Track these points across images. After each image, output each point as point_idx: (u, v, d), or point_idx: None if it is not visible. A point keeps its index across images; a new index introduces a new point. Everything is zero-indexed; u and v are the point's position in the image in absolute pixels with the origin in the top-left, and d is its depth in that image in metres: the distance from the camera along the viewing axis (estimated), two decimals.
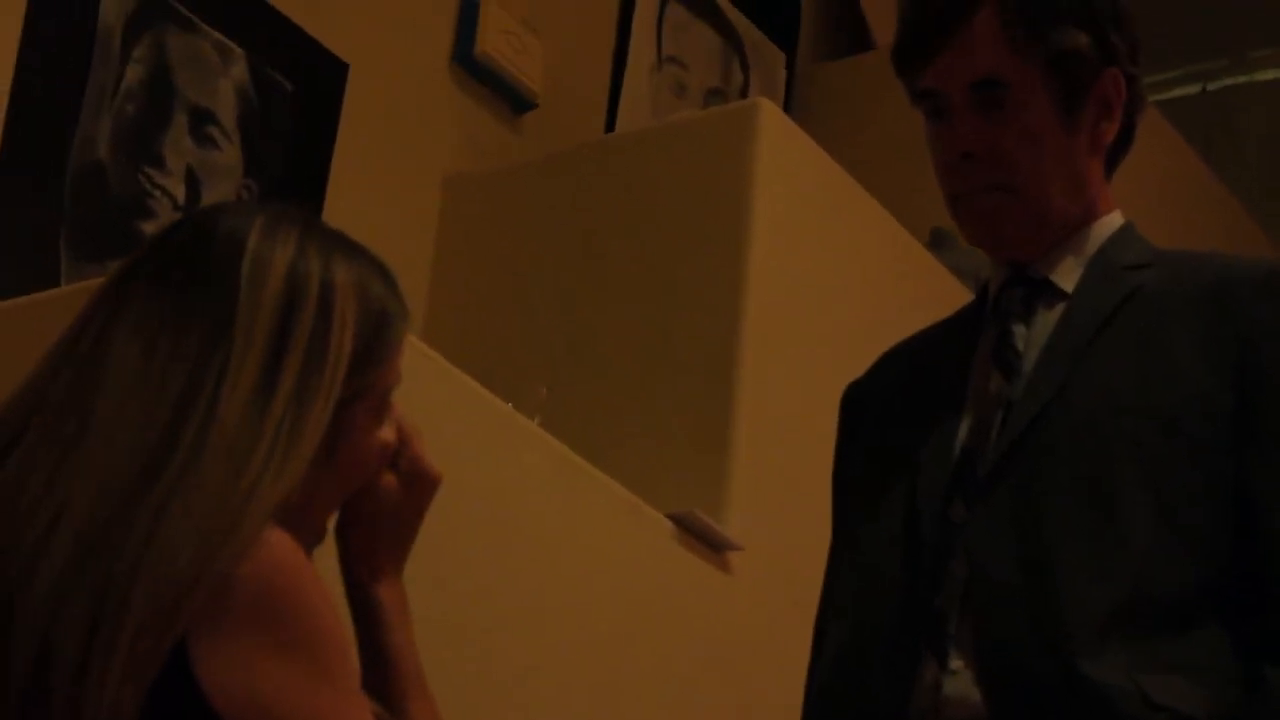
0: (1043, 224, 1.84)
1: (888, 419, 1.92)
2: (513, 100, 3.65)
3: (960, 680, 1.70)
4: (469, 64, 3.56)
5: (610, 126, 3.86)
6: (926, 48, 1.82)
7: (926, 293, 3.27)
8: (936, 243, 3.69)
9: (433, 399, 2.53)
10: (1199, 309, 1.77)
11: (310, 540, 1.53)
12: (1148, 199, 2.96)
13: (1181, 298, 1.79)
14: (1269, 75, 5.29)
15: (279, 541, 1.37)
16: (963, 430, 1.80)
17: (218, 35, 3.09)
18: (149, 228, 2.90)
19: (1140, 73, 1.88)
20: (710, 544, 2.91)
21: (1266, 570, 1.69)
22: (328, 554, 1.56)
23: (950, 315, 2.00)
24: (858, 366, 2.05)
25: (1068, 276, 1.85)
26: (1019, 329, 1.83)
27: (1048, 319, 1.83)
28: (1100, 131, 1.85)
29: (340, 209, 3.24)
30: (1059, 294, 1.84)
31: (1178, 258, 1.86)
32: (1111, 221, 1.89)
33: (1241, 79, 5.32)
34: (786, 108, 4.16)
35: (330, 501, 1.52)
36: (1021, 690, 1.67)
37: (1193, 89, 5.34)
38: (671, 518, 2.85)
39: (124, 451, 1.38)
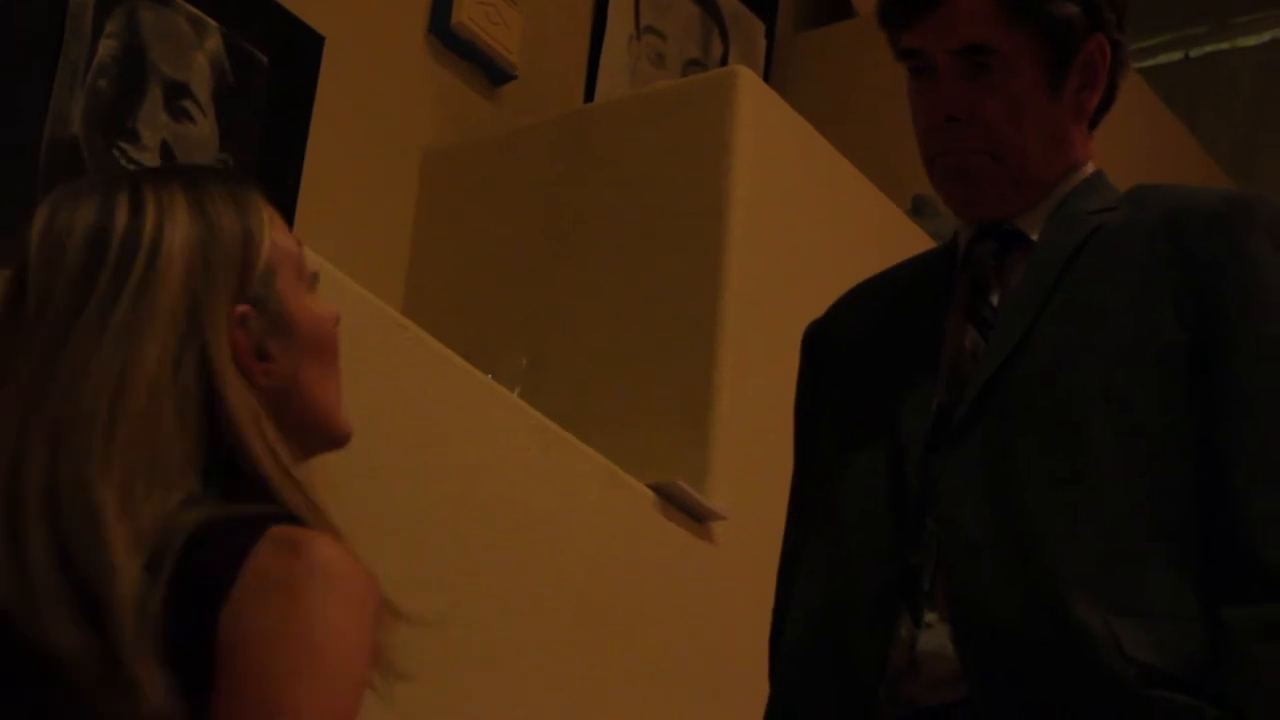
0: (1020, 187, 1.83)
1: (856, 366, 1.91)
2: (490, 72, 3.63)
3: (935, 634, 1.69)
4: (446, 35, 3.54)
5: (589, 97, 3.85)
6: (914, 7, 1.81)
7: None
8: (917, 210, 3.68)
9: (412, 370, 2.52)
10: (1153, 242, 1.78)
11: (331, 432, 1.52)
12: (1131, 165, 2.94)
13: (1137, 233, 1.79)
14: (1251, 41, 5.28)
15: (332, 549, 1.35)
16: (939, 386, 1.80)
17: (192, 9, 3.07)
18: None
19: (1125, 38, 1.87)
20: (693, 514, 2.90)
21: (1225, 509, 1.68)
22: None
23: (915, 257, 1.99)
24: None
25: (1038, 228, 1.84)
26: (993, 283, 1.83)
27: (1020, 271, 1.83)
28: (1084, 98, 1.85)
29: (317, 183, 3.23)
30: (1030, 244, 1.84)
31: (1141, 194, 1.86)
32: (1083, 173, 1.88)
33: (1224, 45, 5.31)
34: (766, 77, 4.14)
35: (321, 377, 1.49)
36: (995, 642, 1.67)
37: (1175, 55, 5.33)
38: (654, 488, 2.84)
39: None
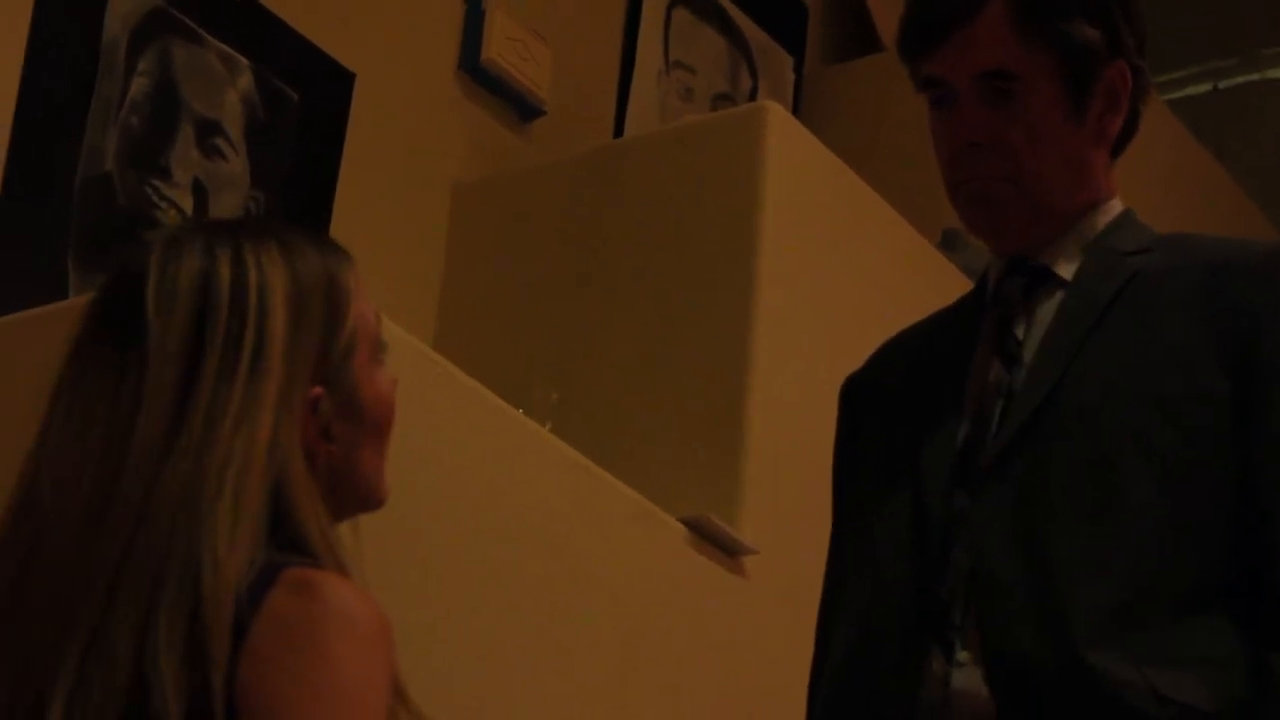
0: (1044, 216, 1.83)
1: (890, 412, 1.92)
2: (520, 107, 3.64)
3: (969, 673, 1.69)
4: (475, 71, 3.55)
5: (618, 132, 3.86)
6: (933, 35, 1.81)
7: (938, 294, 3.23)
8: (948, 244, 3.68)
9: (443, 405, 2.53)
10: (1197, 292, 1.77)
11: (370, 501, 1.55)
12: (1160, 198, 2.95)
13: (1180, 281, 1.78)
14: None
15: (347, 591, 1.37)
16: (964, 421, 1.79)
17: (223, 46, 3.09)
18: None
19: (1145, 64, 1.87)
20: (724, 548, 2.90)
21: (1269, 559, 1.68)
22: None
23: (949, 305, 1.99)
24: None
25: (1067, 265, 1.84)
26: (1020, 318, 1.82)
27: (1048, 307, 1.82)
28: (1106, 123, 1.85)
29: (348, 219, 3.24)
30: (1059, 282, 1.84)
31: (1177, 241, 1.86)
32: (1111, 209, 1.88)
33: (1254, 77, 5.30)
34: (795, 111, 4.15)
35: (373, 454, 1.53)
36: (1028, 684, 1.66)
37: (1204, 87, 5.33)
38: (685, 522, 2.84)
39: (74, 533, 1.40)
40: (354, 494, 1.53)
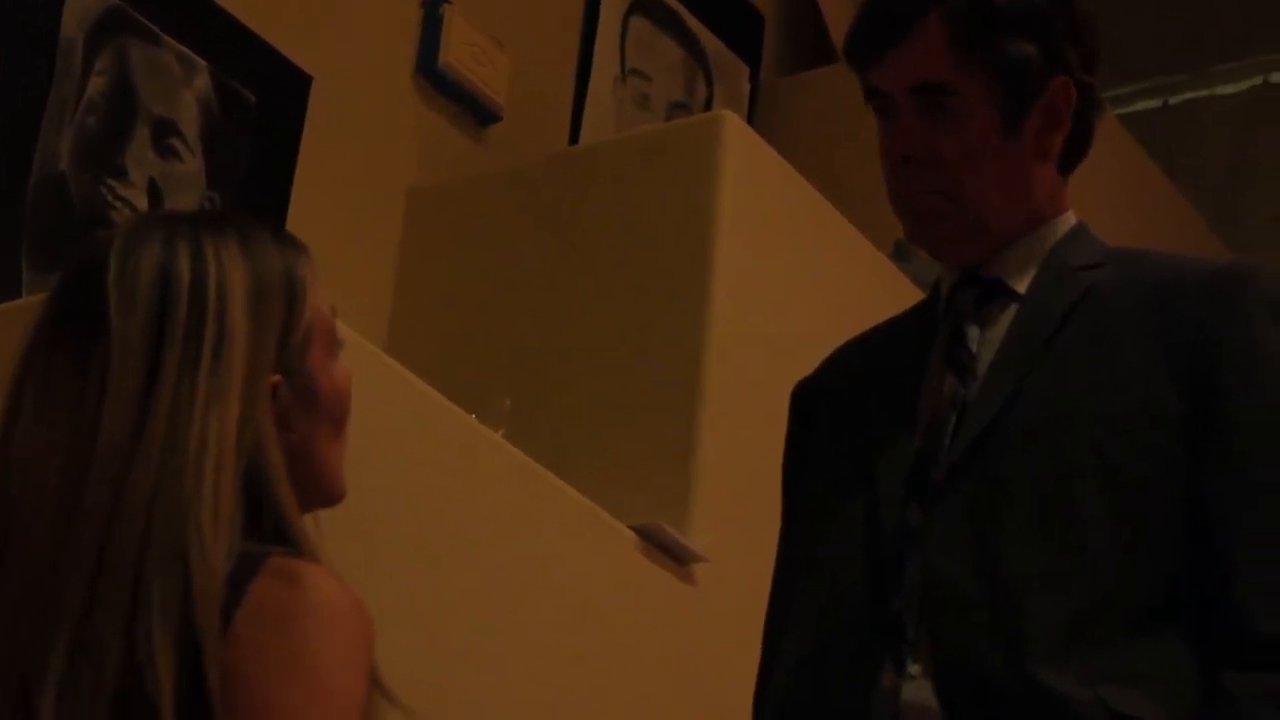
0: (980, 230, 1.83)
1: (840, 419, 1.92)
2: (477, 112, 3.64)
3: (918, 686, 1.70)
4: (433, 76, 3.55)
5: (574, 139, 3.86)
6: (872, 47, 1.83)
7: (890, 304, 3.24)
8: (900, 254, 3.69)
9: (396, 410, 2.53)
10: (1150, 310, 1.77)
11: (330, 495, 1.57)
12: (1109, 212, 2.96)
13: (1133, 296, 1.79)
14: (1230, 89, 5.31)
15: (330, 583, 1.40)
16: (917, 433, 1.80)
17: (181, 47, 3.08)
18: None
19: (1095, 79, 1.88)
20: (675, 556, 2.90)
21: (1221, 577, 1.69)
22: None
23: (901, 314, 2.00)
24: None
25: (1020, 278, 1.85)
26: (972, 330, 1.83)
27: (1001, 320, 1.83)
28: (1046, 139, 1.84)
29: (303, 221, 3.23)
30: (1011, 295, 1.84)
31: (1130, 256, 1.86)
32: (1064, 222, 1.88)
33: (1203, 93, 5.34)
34: (750, 121, 4.16)
35: (331, 447, 1.55)
36: (979, 699, 1.67)
37: (1154, 103, 5.36)
38: (636, 530, 2.84)
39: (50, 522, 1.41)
40: (314, 487, 1.55)
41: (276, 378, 1.49)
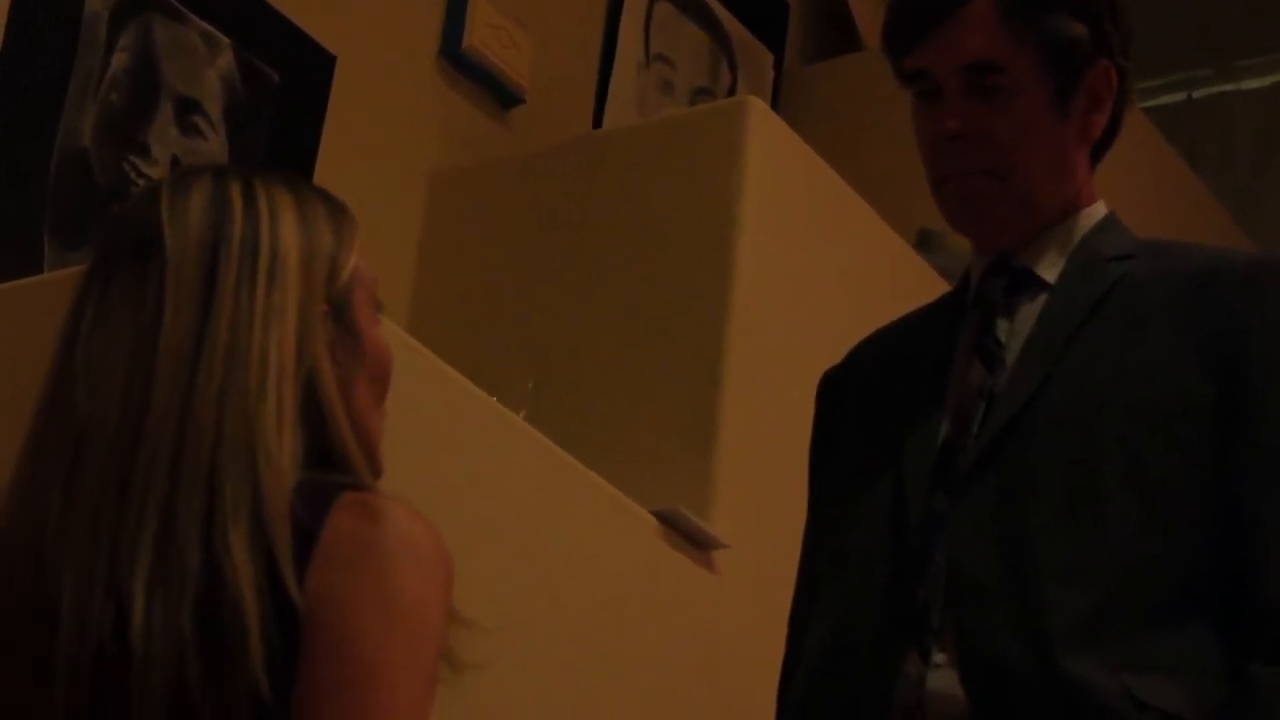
0: (1027, 212, 1.82)
1: (868, 408, 1.91)
2: (500, 95, 3.63)
3: (944, 675, 1.69)
4: (456, 58, 3.54)
5: (597, 123, 3.85)
6: (920, 26, 1.81)
7: (913, 293, 3.23)
8: (923, 244, 3.68)
9: (418, 392, 2.52)
10: (1181, 301, 1.76)
11: (372, 458, 1.56)
12: (1134, 204, 2.95)
13: (1164, 289, 1.78)
14: (1255, 84, 5.29)
15: (410, 517, 1.42)
16: (944, 422, 1.79)
17: (205, 25, 3.07)
18: None
19: (1129, 65, 1.87)
20: (695, 542, 2.89)
21: (1250, 567, 1.68)
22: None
23: (929, 303, 1.99)
24: None
25: (1050, 267, 1.83)
26: (1001, 320, 1.82)
27: (1030, 310, 1.82)
28: (1090, 122, 1.84)
29: None
30: (1041, 285, 1.83)
31: (1161, 248, 1.85)
32: (1095, 212, 1.87)
33: (1228, 87, 5.32)
34: (774, 108, 4.14)
35: (374, 409, 1.56)
36: (1004, 688, 1.66)
37: (1178, 96, 5.35)
38: (657, 515, 2.84)
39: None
40: (359, 439, 1.54)
41: (325, 308, 1.50)
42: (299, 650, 1.35)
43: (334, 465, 1.45)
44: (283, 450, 1.41)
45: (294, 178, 1.58)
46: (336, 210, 1.56)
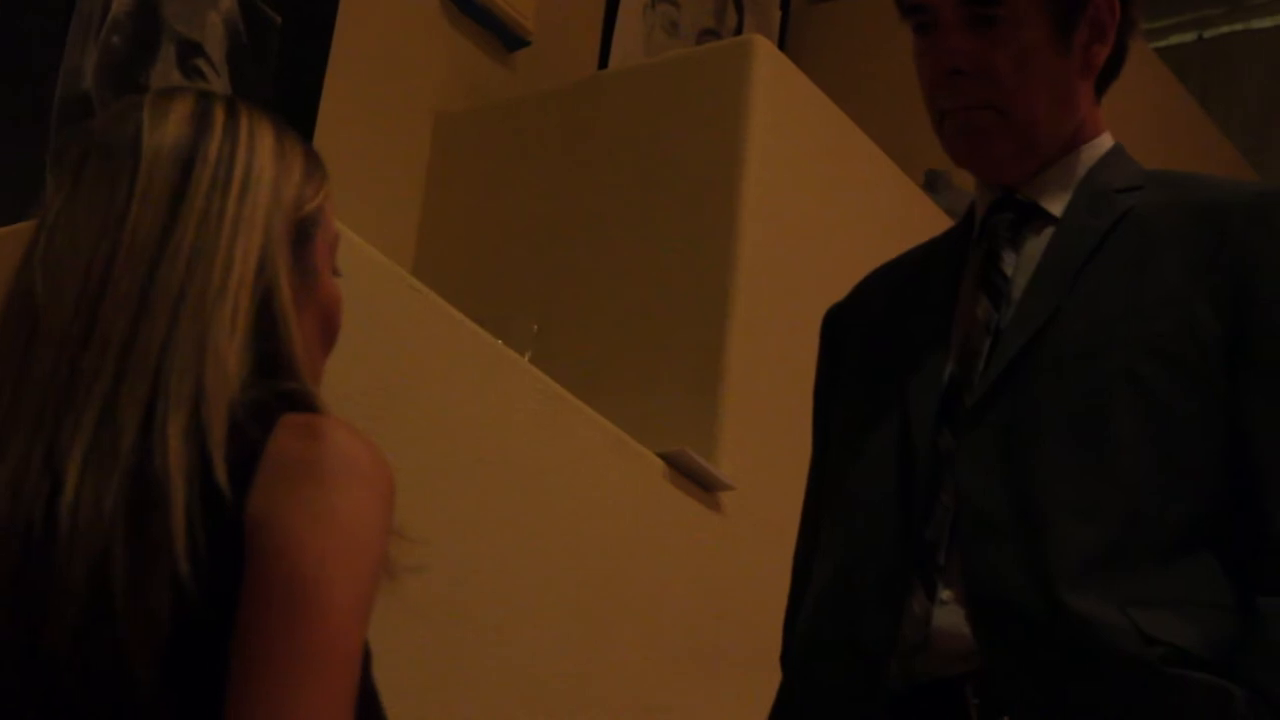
0: (1030, 144, 1.80)
1: (873, 344, 1.90)
2: (505, 37, 3.61)
3: (950, 611, 1.68)
4: (460, 0, 3.52)
5: (603, 64, 3.83)
6: None
7: (921, 234, 3.22)
8: (931, 185, 3.67)
9: (423, 334, 2.51)
10: (1190, 232, 1.74)
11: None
12: (1145, 143, 2.93)
13: (1172, 220, 1.76)
14: (1266, 23, 5.26)
15: (351, 435, 1.43)
16: (950, 358, 1.78)
17: None
18: None
19: None
20: (702, 483, 2.89)
21: (1258, 501, 1.66)
22: None
23: (934, 238, 1.97)
24: None
25: (1056, 200, 1.81)
26: (1007, 254, 1.80)
27: (1036, 244, 1.80)
28: (1092, 53, 1.82)
29: (330, 145, 3.20)
30: (1047, 218, 1.81)
31: (1168, 179, 1.83)
32: (1101, 144, 1.85)
33: (1238, 27, 5.29)
34: (781, 49, 4.12)
35: (315, 351, 1.56)
36: (1011, 625, 1.65)
37: (1189, 36, 5.32)
38: (663, 456, 2.83)
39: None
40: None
41: (289, 228, 1.52)
42: (241, 567, 1.37)
43: (281, 375, 1.47)
44: (231, 352, 1.43)
45: (282, 120, 1.60)
46: (313, 158, 1.58)
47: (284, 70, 3.16)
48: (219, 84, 3.05)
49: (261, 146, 1.51)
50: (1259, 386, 1.68)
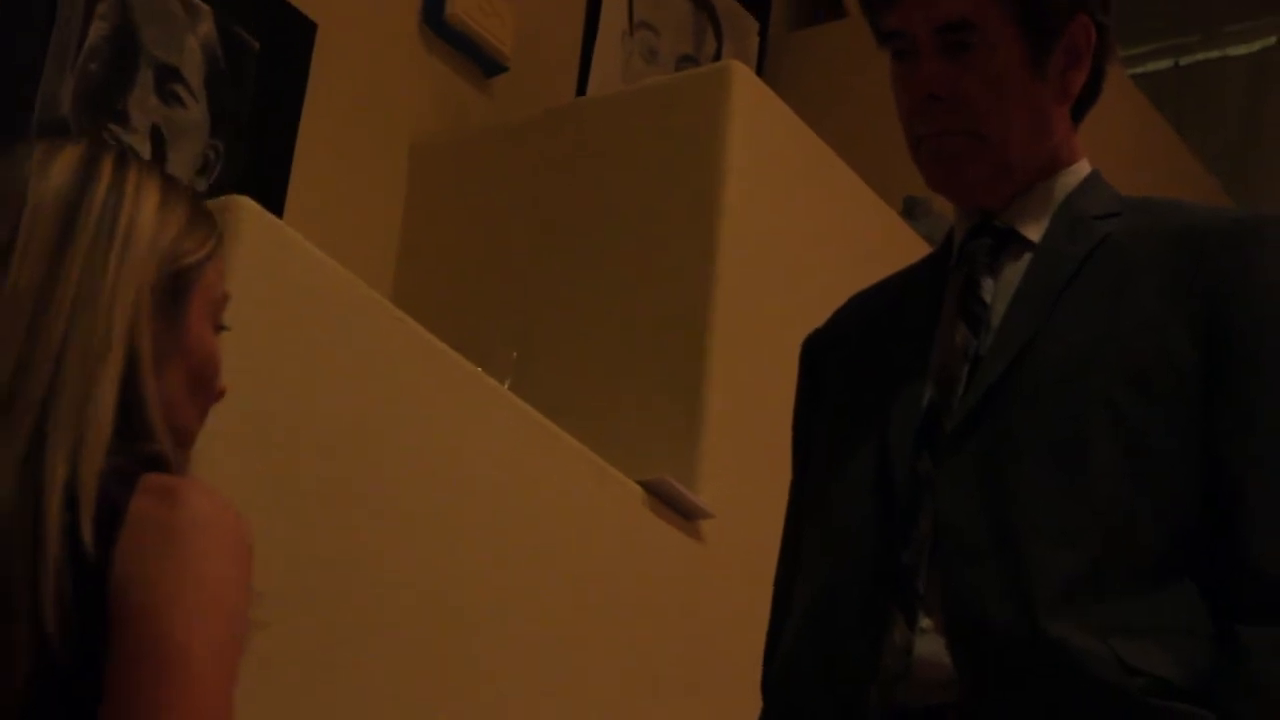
0: (1005, 170, 1.81)
1: (852, 370, 1.90)
2: (483, 63, 3.61)
3: (930, 640, 1.67)
4: (439, 26, 3.52)
5: (581, 91, 3.83)
6: None
7: (899, 260, 3.21)
8: (909, 211, 3.67)
9: (402, 362, 2.51)
10: (1167, 259, 1.75)
11: (182, 442, 1.59)
12: (1122, 171, 2.93)
13: (1149, 246, 1.76)
14: (1241, 50, 5.28)
15: (208, 497, 1.45)
16: (929, 384, 1.78)
17: None
18: None
19: (1111, 21, 1.85)
20: (682, 511, 2.88)
21: (1235, 528, 1.66)
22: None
23: (912, 264, 1.97)
24: None
25: (1034, 226, 1.82)
26: (986, 280, 1.80)
27: (1014, 269, 1.80)
28: (1068, 79, 1.82)
29: (308, 171, 3.20)
30: (1025, 244, 1.82)
31: (1146, 205, 1.84)
32: (1078, 170, 1.86)
33: (1214, 54, 5.31)
34: (759, 75, 4.12)
35: (184, 405, 1.58)
36: (992, 653, 1.65)
37: (1165, 63, 5.33)
38: (643, 484, 2.83)
39: None
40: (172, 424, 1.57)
41: (152, 282, 1.54)
42: (107, 629, 1.39)
43: (140, 436, 1.49)
44: (109, 409, 1.45)
45: (172, 176, 1.63)
46: (201, 216, 1.60)
47: (262, 95, 3.15)
48: (197, 110, 3.05)
49: (146, 205, 1.54)
50: (1234, 413, 1.69)
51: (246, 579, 1.46)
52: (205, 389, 1.60)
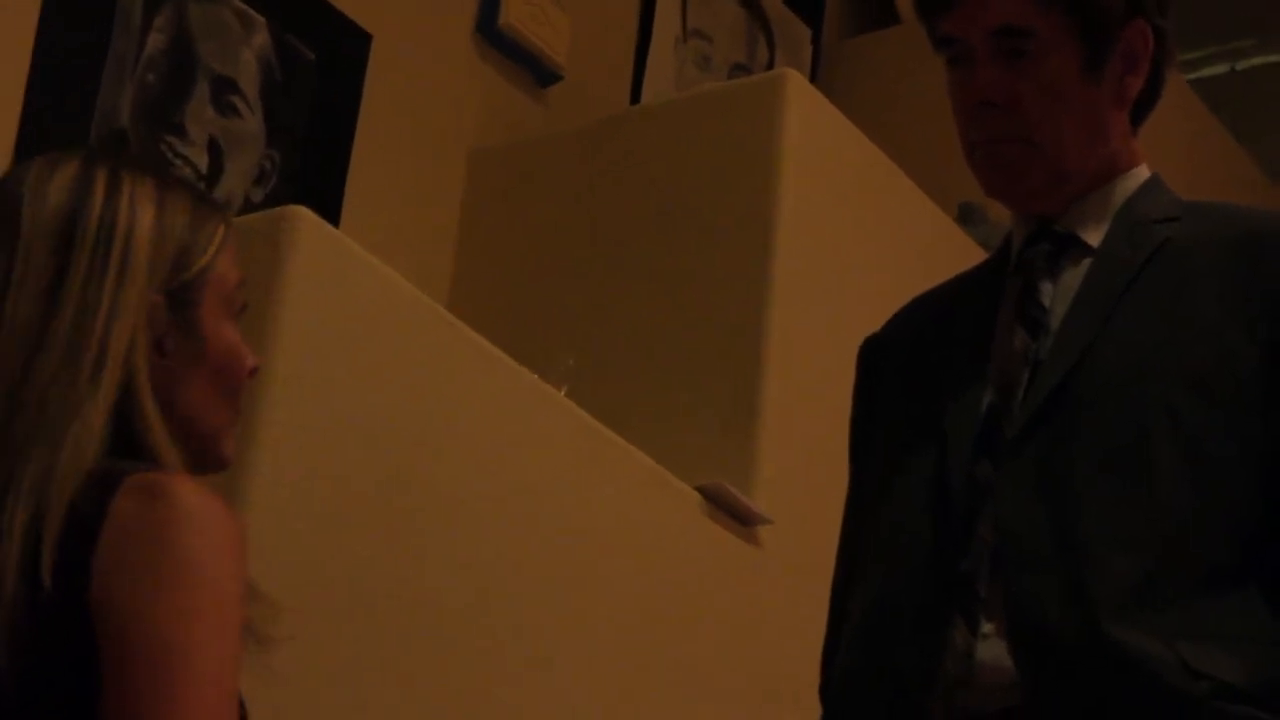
0: (1061, 176, 1.80)
1: (909, 375, 1.89)
2: (537, 72, 3.62)
3: (993, 645, 1.67)
4: (493, 36, 3.53)
5: (635, 99, 3.83)
6: None
7: (954, 267, 3.21)
8: (964, 217, 3.66)
9: (459, 369, 2.51)
10: (1227, 263, 1.74)
11: (209, 452, 1.58)
12: (1178, 176, 2.92)
13: (1210, 251, 1.76)
14: None
15: (195, 491, 1.43)
16: (988, 389, 1.77)
17: (240, 4, 3.06)
18: None
19: (1170, 25, 1.84)
20: (739, 517, 2.88)
21: None
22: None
23: (971, 269, 1.97)
24: None
25: (1094, 231, 1.81)
26: (1045, 285, 1.79)
27: (1074, 274, 1.80)
28: (1125, 84, 1.82)
29: (364, 180, 3.22)
30: (1085, 249, 1.81)
31: (1206, 210, 1.83)
32: (1137, 175, 1.85)
33: (1271, 58, 5.28)
34: (813, 83, 4.12)
35: (217, 402, 1.58)
36: (1055, 657, 1.64)
37: (1221, 68, 5.31)
38: (700, 490, 2.82)
39: None
40: (187, 435, 1.55)
41: (158, 298, 1.53)
42: (90, 640, 1.37)
43: (139, 455, 1.47)
44: (93, 438, 1.44)
45: (170, 173, 1.62)
46: (206, 209, 1.59)
47: (317, 106, 3.17)
48: (254, 121, 3.06)
49: (141, 217, 1.53)
50: None
51: (238, 570, 1.43)
52: (232, 379, 1.59)
